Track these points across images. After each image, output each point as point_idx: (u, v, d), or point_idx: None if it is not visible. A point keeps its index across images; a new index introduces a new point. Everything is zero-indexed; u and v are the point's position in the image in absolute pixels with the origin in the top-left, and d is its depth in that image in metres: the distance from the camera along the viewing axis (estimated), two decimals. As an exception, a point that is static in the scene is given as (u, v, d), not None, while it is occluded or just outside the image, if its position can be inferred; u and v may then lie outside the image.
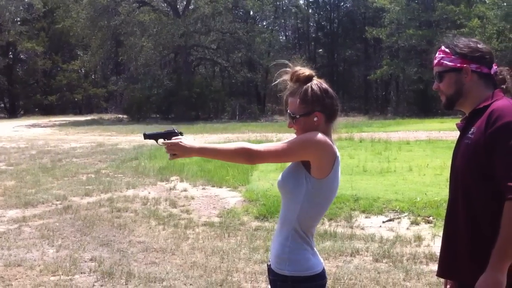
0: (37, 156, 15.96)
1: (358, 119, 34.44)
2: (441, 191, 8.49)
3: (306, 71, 2.49)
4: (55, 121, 36.34)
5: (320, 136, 2.39)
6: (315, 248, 2.52)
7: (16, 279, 5.38)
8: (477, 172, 2.26)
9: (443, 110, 41.61)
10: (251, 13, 47.63)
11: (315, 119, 2.44)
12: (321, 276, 2.46)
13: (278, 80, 2.55)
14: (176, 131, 2.68)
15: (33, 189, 10.28)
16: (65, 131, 27.87)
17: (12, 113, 48.06)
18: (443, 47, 2.43)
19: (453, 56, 2.37)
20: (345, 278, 5.16)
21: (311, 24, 54.88)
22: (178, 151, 2.57)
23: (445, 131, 20.67)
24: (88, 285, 5.20)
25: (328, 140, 2.42)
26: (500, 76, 2.39)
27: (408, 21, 37.66)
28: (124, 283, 5.23)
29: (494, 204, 2.21)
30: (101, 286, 5.18)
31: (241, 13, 47.70)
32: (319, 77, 2.53)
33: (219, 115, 40.10)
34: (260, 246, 6.28)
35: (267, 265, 2.60)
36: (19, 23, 49.73)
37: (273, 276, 2.49)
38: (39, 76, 50.50)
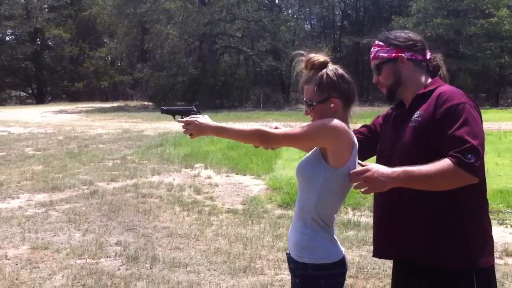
0: (64, 141, 16.20)
1: (383, 109, 33.89)
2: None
3: (320, 57, 2.45)
4: (82, 107, 36.78)
5: (338, 122, 2.35)
6: (335, 236, 2.50)
7: (43, 261, 5.50)
8: (426, 152, 2.28)
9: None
10: (276, 1, 47.44)
11: (332, 105, 2.41)
12: (342, 264, 2.45)
13: (296, 69, 2.53)
14: (194, 109, 2.66)
15: (60, 174, 10.45)
16: (91, 117, 28.18)
17: (39, 99, 48.79)
18: (377, 41, 2.50)
19: (387, 48, 2.45)
20: (368, 268, 5.16)
21: (337, 12, 54.39)
22: (193, 130, 2.54)
23: (472, 122, 20.38)
24: (113, 268, 5.28)
25: (346, 127, 2.39)
26: (434, 63, 2.50)
27: (436, 10, 37.06)
28: (149, 267, 5.30)
29: None
30: (126, 270, 5.26)
31: (266, 1, 47.53)
32: (335, 63, 2.49)
33: (244, 104, 40.07)
34: (283, 234, 6.30)
35: (286, 253, 2.60)
36: (46, 10, 50.38)
37: (293, 264, 2.49)
38: (66, 63, 51.15)
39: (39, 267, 5.32)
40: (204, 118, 2.55)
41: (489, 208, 7.26)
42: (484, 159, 2.22)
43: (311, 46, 40.81)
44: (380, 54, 2.46)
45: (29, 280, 4.96)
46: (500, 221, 6.83)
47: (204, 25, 37.51)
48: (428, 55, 2.48)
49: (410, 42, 2.44)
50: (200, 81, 37.66)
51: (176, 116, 2.68)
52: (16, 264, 5.39)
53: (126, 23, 41.25)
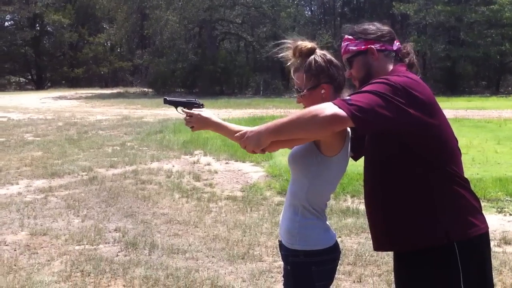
0: (64, 127, 16.19)
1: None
2: (466, 170, 8.41)
3: (307, 44, 2.45)
4: (82, 93, 36.71)
5: None
6: (327, 222, 2.51)
7: (42, 247, 5.50)
8: (385, 138, 2.34)
9: (470, 88, 40.52)
10: (277, -13, 47.05)
11: (323, 91, 2.41)
12: (333, 250, 2.47)
13: (282, 55, 2.52)
14: (197, 102, 2.66)
15: (60, 160, 10.45)
16: (91, 103, 28.14)
17: (39, 85, 48.64)
18: (346, 36, 2.50)
19: (357, 41, 2.44)
20: (366, 255, 5.16)
21: (338, -2, 54.08)
22: (195, 123, 2.56)
23: (472, 110, 20.38)
24: (112, 254, 5.29)
25: None
26: (404, 51, 2.48)
27: (437, -4, 36.83)
28: (148, 254, 5.31)
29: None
30: (125, 256, 5.26)
31: (266, -13, 47.16)
32: (323, 48, 2.49)
33: (243, 90, 39.96)
34: (282, 221, 6.29)
35: (278, 240, 2.61)
36: (46, -5, 50.01)
37: (285, 251, 2.50)
38: (65, 49, 50.94)
39: (37, 253, 5.33)
40: (207, 113, 2.56)
41: (488, 196, 7.22)
42: (369, 120, 2.14)
43: (312, 32, 40.68)
44: (350, 47, 2.46)
45: (28, 265, 4.97)
46: (499, 209, 6.83)
47: (204, 10, 37.32)
48: (397, 45, 2.47)
49: (379, 34, 2.44)
50: (200, 68, 37.55)
51: (179, 108, 2.68)
52: (15, 250, 5.40)
53: (125, 9, 41.05)
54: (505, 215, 6.66)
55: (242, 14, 41.40)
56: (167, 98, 2.75)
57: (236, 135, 2.39)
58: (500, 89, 39.48)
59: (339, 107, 2.10)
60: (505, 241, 5.60)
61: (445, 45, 36.99)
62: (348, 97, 2.16)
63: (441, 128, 2.29)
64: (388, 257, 5.02)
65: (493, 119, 17.40)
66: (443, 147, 2.30)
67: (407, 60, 2.47)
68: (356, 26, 2.50)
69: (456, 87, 36.40)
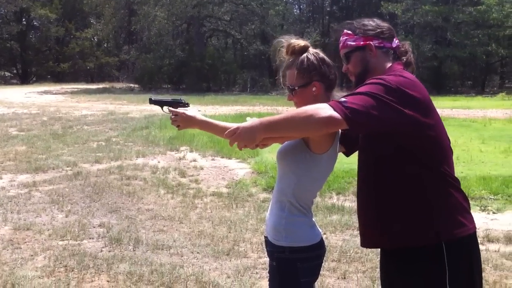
0: (49, 122, 16.06)
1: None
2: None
3: (300, 42, 2.46)
4: (67, 88, 36.43)
5: None
6: (313, 219, 2.52)
7: (25, 242, 5.46)
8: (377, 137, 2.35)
9: (456, 88, 40.66)
10: (266, -16, 47.02)
11: (314, 89, 2.41)
12: (319, 247, 2.48)
13: (277, 56, 2.52)
14: (183, 101, 2.65)
15: (44, 155, 10.36)
16: (76, 98, 27.93)
17: (24, 79, 48.23)
18: (345, 30, 2.50)
19: (355, 36, 2.44)
20: (351, 252, 5.18)
21: (326, -3, 54.17)
22: (181, 122, 2.57)
23: (457, 109, 20.54)
24: (96, 250, 5.25)
25: None
26: (402, 49, 2.48)
27: (425, -4, 37.02)
28: (132, 249, 5.28)
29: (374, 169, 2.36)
30: (109, 251, 5.23)
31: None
32: (315, 47, 2.50)
33: (231, 87, 39.92)
34: (268, 217, 6.29)
35: (264, 237, 2.62)
36: (32, -11, 49.52)
37: (271, 248, 2.51)
38: (52, 43, 50.52)
39: (21, 248, 5.28)
40: (192, 111, 2.56)
41: (472, 194, 7.26)
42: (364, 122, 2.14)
43: (300, 30, 40.74)
44: (349, 42, 2.46)
45: (11, 260, 4.93)
46: (482, 207, 6.88)
47: (192, 7, 37.19)
48: (396, 43, 2.47)
49: (378, 30, 2.43)
50: (187, 64, 37.43)
51: (164, 107, 2.68)
52: (-3, 245, 5.35)
53: (113, 4, 40.84)
54: (488, 213, 6.71)
55: (230, 11, 41.33)
56: (153, 98, 2.75)
57: (226, 132, 2.36)
58: (486, 89, 39.83)
59: (335, 110, 2.11)
60: (488, 239, 5.66)
61: (432, 45, 37.16)
62: (343, 99, 2.15)
63: (435, 127, 2.29)
64: (372, 254, 5.04)
65: (478, 118, 17.53)
66: (437, 147, 2.30)
67: (404, 58, 2.46)
68: (356, 21, 2.49)
69: (442, 86, 36.61)
